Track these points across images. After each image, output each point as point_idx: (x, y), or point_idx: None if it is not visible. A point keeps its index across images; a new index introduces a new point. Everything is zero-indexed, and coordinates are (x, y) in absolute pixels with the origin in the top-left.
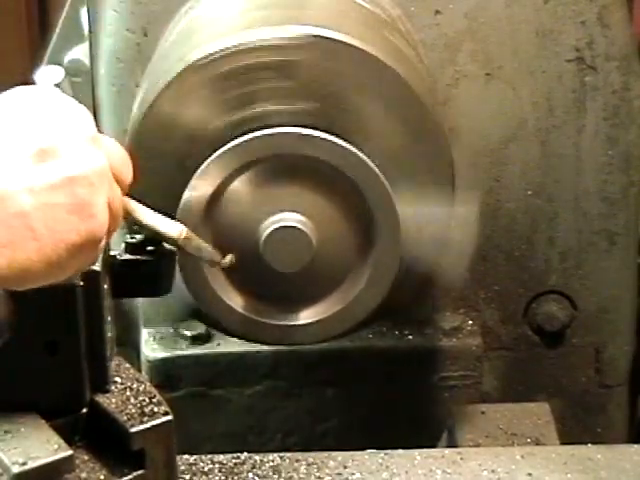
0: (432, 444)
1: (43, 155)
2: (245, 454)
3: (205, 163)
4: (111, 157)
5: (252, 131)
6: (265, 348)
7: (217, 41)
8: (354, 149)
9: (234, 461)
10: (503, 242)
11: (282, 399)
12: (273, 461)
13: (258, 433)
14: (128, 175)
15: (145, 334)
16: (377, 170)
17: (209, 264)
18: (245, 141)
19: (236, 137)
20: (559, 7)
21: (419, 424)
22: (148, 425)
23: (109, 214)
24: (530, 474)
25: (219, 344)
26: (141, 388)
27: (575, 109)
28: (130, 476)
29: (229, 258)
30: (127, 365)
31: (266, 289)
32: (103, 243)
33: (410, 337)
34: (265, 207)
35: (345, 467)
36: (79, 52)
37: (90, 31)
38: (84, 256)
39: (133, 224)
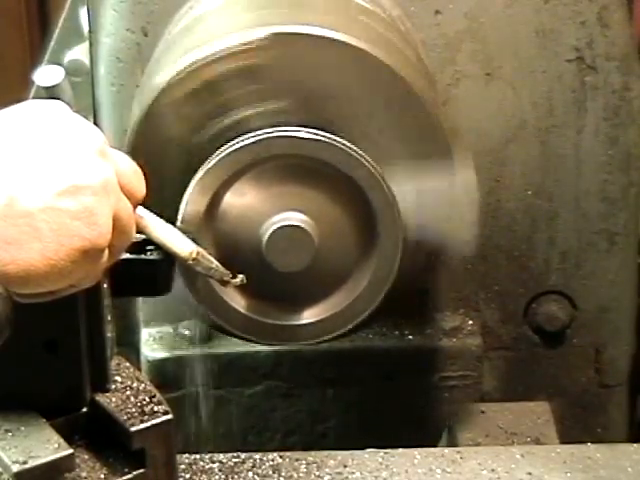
0: (432, 443)
1: (51, 164)
2: (245, 453)
3: (205, 164)
4: (121, 171)
5: (252, 131)
6: (265, 348)
7: (214, 42)
8: (355, 150)
9: (234, 460)
10: (503, 242)
11: (282, 399)
12: (273, 460)
13: (258, 433)
14: (139, 189)
15: (145, 334)
16: (378, 170)
17: (220, 283)
18: (246, 142)
19: (235, 138)
20: (559, 7)
21: (419, 424)
22: (148, 424)
23: (117, 227)
24: (530, 473)
25: (219, 344)
26: (141, 387)
27: (575, 109)
28: (130, 475)
29: (240, 278)
30: (127, 364)
31: (268, 289)
32: (105, 257)
33: (410, 337)
34: (267, 207)
35: (345, 466)
36: (79, 52)
37: (90, 31)
38: (84, 264)
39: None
